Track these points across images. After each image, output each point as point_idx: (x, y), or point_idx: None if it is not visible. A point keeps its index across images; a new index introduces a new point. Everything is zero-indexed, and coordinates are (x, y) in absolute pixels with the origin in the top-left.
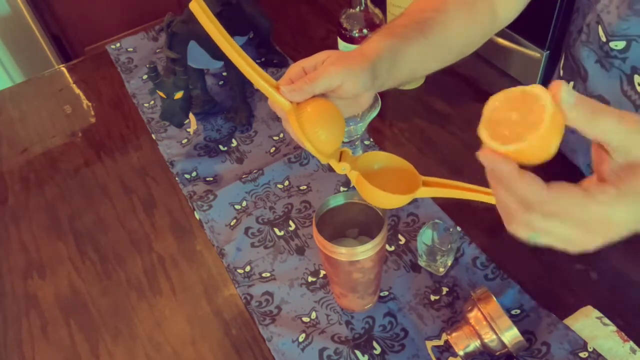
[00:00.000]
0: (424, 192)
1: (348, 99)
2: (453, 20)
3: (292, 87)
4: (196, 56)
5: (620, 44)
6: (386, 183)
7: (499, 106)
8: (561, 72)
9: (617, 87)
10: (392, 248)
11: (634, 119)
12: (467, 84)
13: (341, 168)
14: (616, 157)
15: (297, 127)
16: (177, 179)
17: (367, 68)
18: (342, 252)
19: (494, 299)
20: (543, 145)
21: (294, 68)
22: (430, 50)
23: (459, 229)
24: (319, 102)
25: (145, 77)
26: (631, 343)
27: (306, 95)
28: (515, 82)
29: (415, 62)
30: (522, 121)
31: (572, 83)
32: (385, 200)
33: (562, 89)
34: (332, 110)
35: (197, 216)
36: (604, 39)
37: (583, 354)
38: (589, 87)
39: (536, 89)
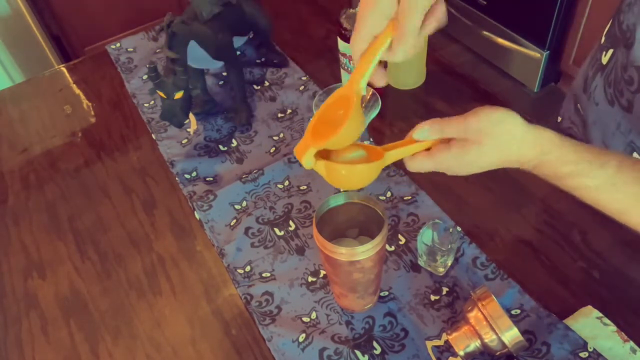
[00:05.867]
0: (390, 157)
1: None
2: None
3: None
4: (196, 56)
5: None
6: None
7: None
8: (603, 39)
9: None
10: (392, 248)
11: (464, 117)
12: (467, 84)
13: (306, 162)
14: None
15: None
16: (177, 179)
17: None
18: (342, 252)
19: (494, 299)
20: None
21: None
22: None
23: (459, 229)
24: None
25: (145, 77)
26: (631, 343)
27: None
28: (515, 82)
29: None
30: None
31: (611, 51)
32: (361, 173)
33: (416, 133)
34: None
35: (197, 216)
36: None
37: (583, 354)
38: (631, 55)
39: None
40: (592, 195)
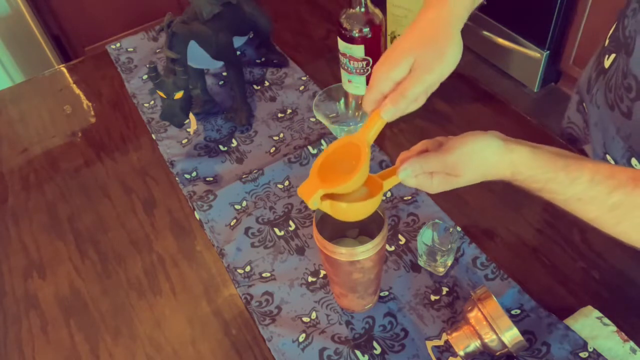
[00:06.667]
0: (387, 185)
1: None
2: None
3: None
4: (196, 56)
5: None
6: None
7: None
8: (607, 41)
9: None
10: (392, 248)
11: (442, 153)
12: (467, 84)
13: (313, 204)
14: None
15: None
16: (177, 179)
17: (457, 42)
18: (342, 252)
19: (494, 299)
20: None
21: (383, 81)
22: None
23: (459, 229)
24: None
25: (145, 77)
26: (631, 343)
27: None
28: (515, 82)
29: None
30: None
31: (613, 55)
32: (365, 207)
33: (400, 174)
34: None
35: (197, 216)
36: None
37: (583, 354)
38: (630, 62)
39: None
40: (563, 206)
